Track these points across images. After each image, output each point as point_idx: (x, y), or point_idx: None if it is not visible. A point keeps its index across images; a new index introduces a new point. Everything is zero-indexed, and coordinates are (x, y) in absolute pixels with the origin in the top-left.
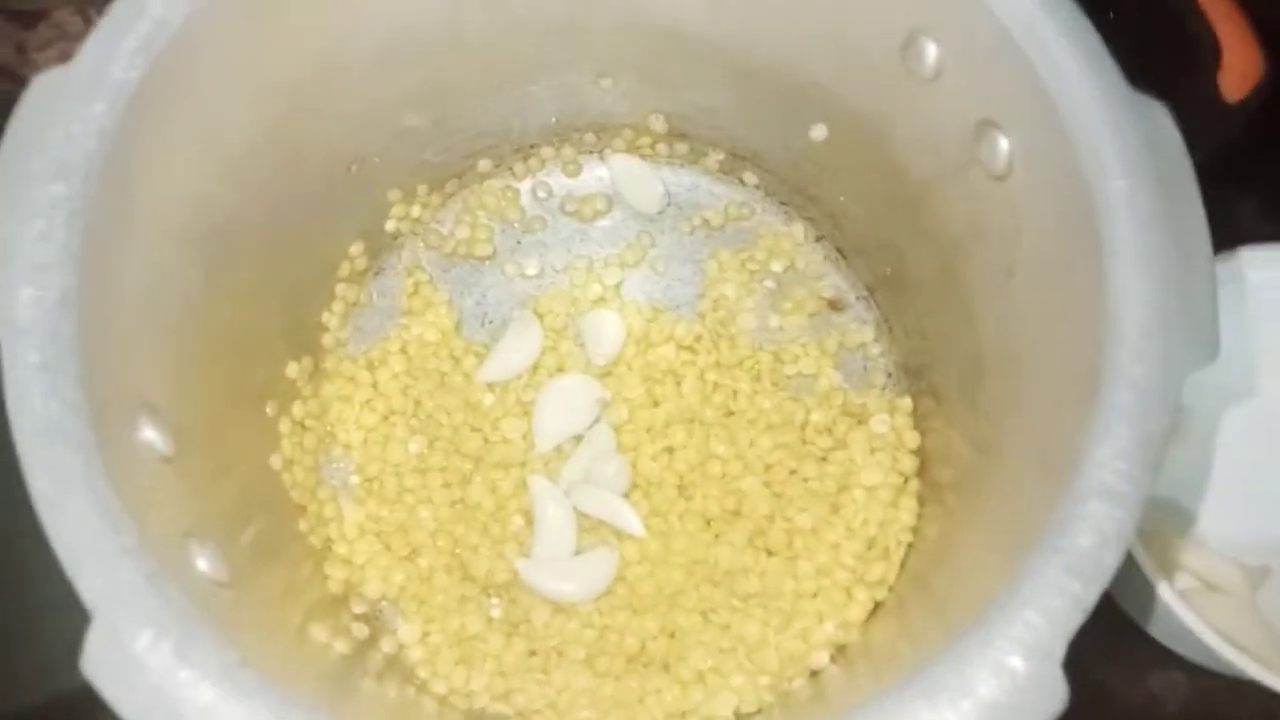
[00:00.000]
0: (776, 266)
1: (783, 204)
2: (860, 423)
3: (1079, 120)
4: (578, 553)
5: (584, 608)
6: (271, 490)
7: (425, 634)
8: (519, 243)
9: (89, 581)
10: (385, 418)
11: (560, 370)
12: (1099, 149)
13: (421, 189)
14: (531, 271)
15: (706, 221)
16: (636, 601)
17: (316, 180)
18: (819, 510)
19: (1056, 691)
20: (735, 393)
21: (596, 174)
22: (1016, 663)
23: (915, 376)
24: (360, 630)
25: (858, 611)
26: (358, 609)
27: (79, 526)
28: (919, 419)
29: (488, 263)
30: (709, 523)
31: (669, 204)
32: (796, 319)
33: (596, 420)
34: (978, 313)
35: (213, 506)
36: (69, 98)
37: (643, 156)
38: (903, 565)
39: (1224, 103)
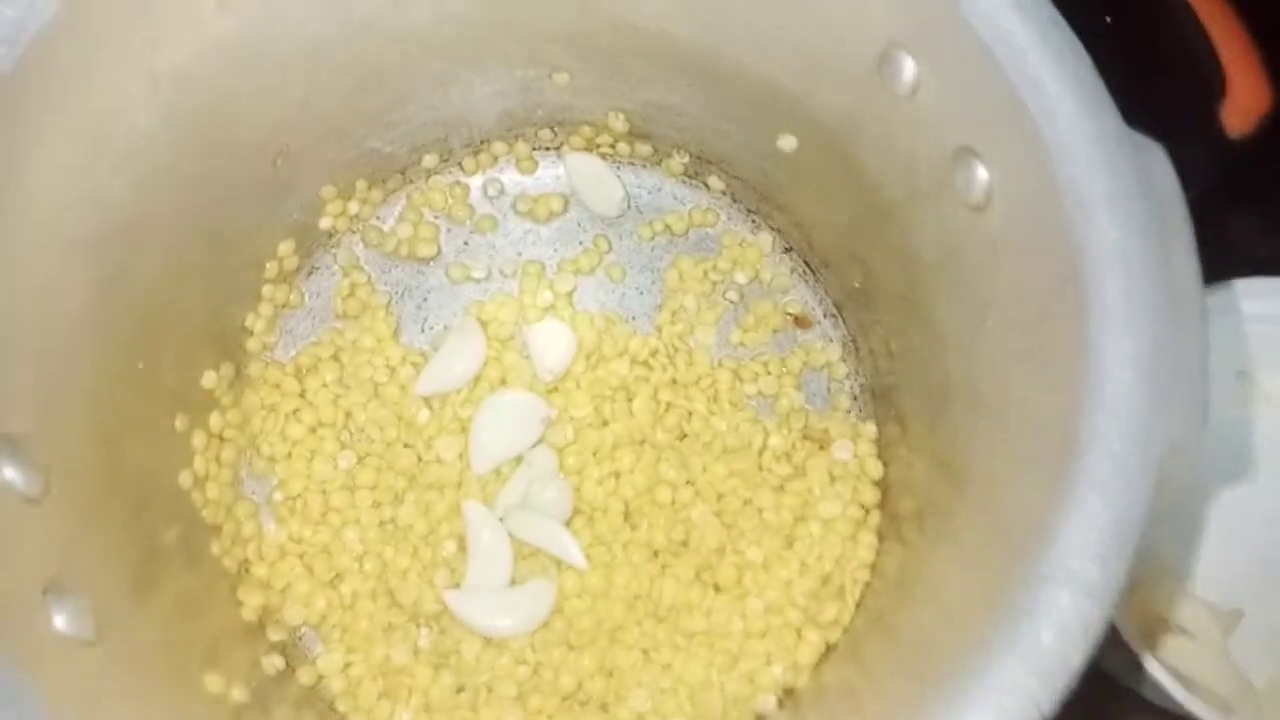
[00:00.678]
0: (740, 278)
1: (750, 211)
2: (821, 448)
3: (1067, 159)
4: (513, 583)
5: (518, 641)
6: (174, 512)
7: (347, 664)
8: (466, 243)
9: None
10: (313, 430)
11: (503, 384)
12: (1088, 192)
13: (360, 184)
14: (478, 274)
15: (668, 227)
16: (574, 637)
17: (234, 174)
18: (772, 544)
19: None
20: (690, 414)
21: (553, 172)
22: None
23: (881, 400)
24: (274, 664)
25: (808, 653)
26: (275, 637)
27: None
28: (882, 447)
29: (431, 264)
30: (655, 554)
31: (629, 207)
32: (759, 334)
33: (539, 440)
34: (947, 338)
35: (88, 546)
36: None
37: (602, 156)
38: (859, 604)
39: (1225, 138)
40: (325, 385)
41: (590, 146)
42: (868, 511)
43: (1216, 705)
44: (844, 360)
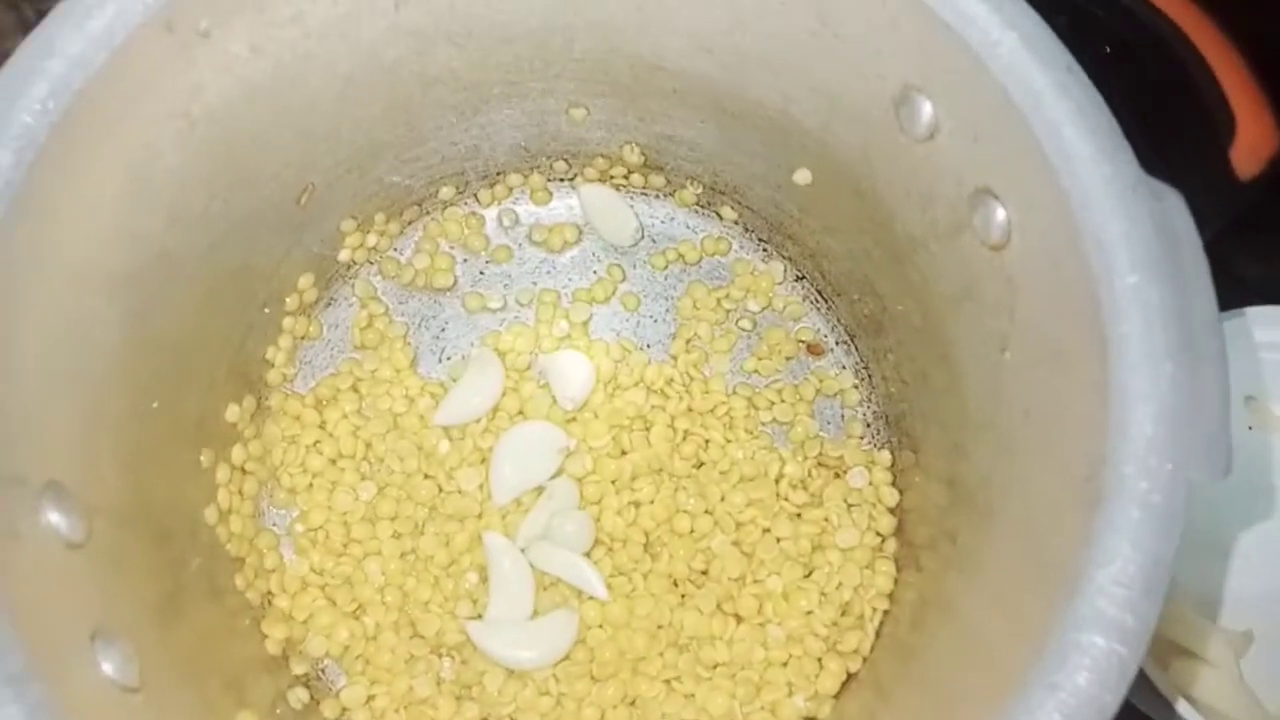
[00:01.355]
0: (753, 306)
1: (762, 241)
2: (837, 476)
3: (1085, 203)
4: (535, 614)
5: (541, 673)
6: (197, 547)
7: (370, 697)
8: (482, 273)
9: None
10: (333, 461)
11: (522, 414)
12: (1107, 236)
13: (379, 217)
14: (494, 304)
15: (681, 256)
16: (597, 668)
17: (261, 211)
18: (791, 573)
19: None
20: (707, 442)
21: (567, 203)
22: None
23: (894, 427)
24: (299, 697)
25: (830, 683)
26: (298, 669)
27: None
28: (897, 474)
29: (448, 294)
30: (675, 584)
31: (642, 236)
32: (773, 362)
33: (559, 471)
34: (964, 369)
35: (123, 588)
36: None
37: (615, 187)
38: (879, 633)
39: (1235, 181)
40: (345, 416)
41: (604, 178)
42: (884, 539)
43: None
44: (857, 388)
